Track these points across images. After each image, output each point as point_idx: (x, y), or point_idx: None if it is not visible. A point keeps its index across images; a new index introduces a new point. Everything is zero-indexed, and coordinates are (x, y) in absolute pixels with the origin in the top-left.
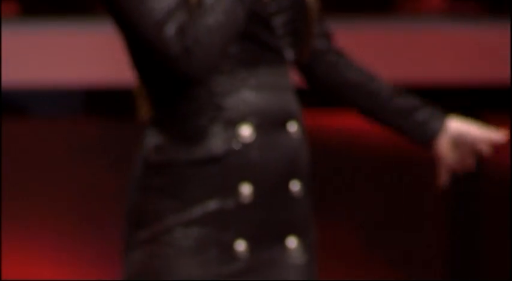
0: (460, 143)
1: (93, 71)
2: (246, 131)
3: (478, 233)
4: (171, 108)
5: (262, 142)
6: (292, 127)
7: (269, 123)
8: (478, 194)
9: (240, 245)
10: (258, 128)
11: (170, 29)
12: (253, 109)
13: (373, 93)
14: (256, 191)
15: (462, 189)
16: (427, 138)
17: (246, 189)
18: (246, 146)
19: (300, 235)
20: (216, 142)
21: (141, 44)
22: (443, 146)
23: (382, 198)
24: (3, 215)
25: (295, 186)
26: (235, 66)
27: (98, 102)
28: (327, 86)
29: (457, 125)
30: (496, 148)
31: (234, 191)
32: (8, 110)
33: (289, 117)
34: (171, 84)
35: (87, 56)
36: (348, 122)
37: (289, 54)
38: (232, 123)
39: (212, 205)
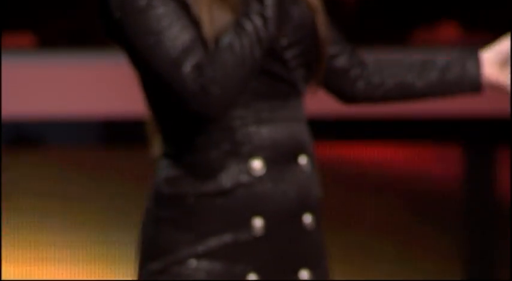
0: (503, 60)
1: (109, 102)
2: (258, 164)
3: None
4: (184, 141)
5: (274, 175)
6: (304, 160)
7: (281, 157)
8: (493, 228)
9: (252, 278)
10: (269, 161)
11: (187, 67)
12: (266, 143)
13: (409, 84)
14: (268, 224)
15: (477, 225)
16: (475, 85)
17: (258, 222)
18: (258, 180)
19: (313, 268)
20: (227, 175)
21: (156, 80)
22: (494, 76)
23: (393, 228)
24: (16, 243)
25: (307, 219)
26: (249, 100)
27: (114, 133)
28: (369, 99)
29: (489, 52)
30: None
31: (246, 224)
32: (25, 140)
33: (300, 150)
34: (184, 119)
35: (103, 87)
36: (361, 153)
37: (302, 86)
38: (245, 157)
39: (225, 238)
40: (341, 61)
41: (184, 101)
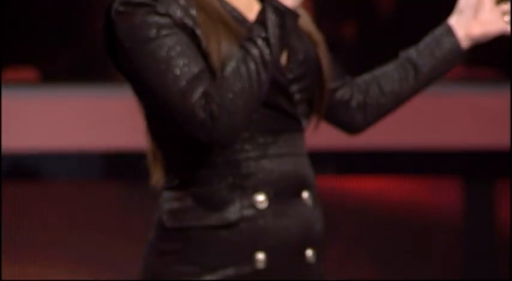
0: (472, 10)
1: (110, 136)
2: (262, 198)
3: None
4: (188, 174)
5: (277, 210)
6: (307, 195)
7: (285, 192)
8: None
9: None
10: (273, 196)
11: (195, 96)
12: (270, 177)
13: (402, 92)
14: (271, 259)
15: (476, 256)
16: (459, 56)
17: (260, 256)
18: (261, 214)
19: None
20: (232, 209)
21: (164, 109)
22: (475, 31)
23: (400, 258)
24: (19, 278)
25: (309, 253)
26: (254, 134)
27: (115, 166)
28: (371, 123)
29: (455, 15)
30: None
31: (249, 259)
32: (27, 173)
33: (304, 185)
34: (189, 151)
35: (105, 120)
36: (362, 185)
37: (304, 121)
38: (249, 191)
39: (228, 271)
40: (341, 94)
41: (193, 129)
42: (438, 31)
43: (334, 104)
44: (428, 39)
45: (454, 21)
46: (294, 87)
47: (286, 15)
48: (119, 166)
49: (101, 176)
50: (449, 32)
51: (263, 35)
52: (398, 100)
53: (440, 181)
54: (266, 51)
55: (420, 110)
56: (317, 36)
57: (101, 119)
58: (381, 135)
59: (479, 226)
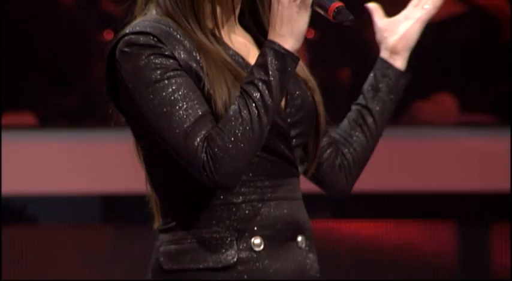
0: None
1: (109, 179)
2: (258, 242)
3: None
4: (185, 216)
5: (273, 253)
6: (302, 239)
7: (280, 235)
8: None
9: None
10: (270, 239)
11: (197, 138)
12: (267, 221)
13: (365, 143)
14: None
15: None
16: (404, 75)
17: None
18: (258, 257)
19: None
20: (228, 252)
21: (163, 152)
22: (396, 47)
23: None
24: None
25: None
26: (251, 177)
27: (114, 209)
28: (352, 182)
29: (382, 40)
30: None
31: None
32: (24, 217)
33: (299, 229)
34: (187, 193)
35: (102, 164)
36: (358, 230)
37: (300, 166)
38: (246, 234)
39: None
40: (328, 154)
41: (195, 171)
42: (374, 68)
43: (321, 163)
44: (368, 79)
45: (382, 53)
46: (294, 132)
47: (286, 58)
48: (116, 209)
49: (99, 220)
50: (382, 63)
51: (264, 78)
52: (370, 149)
53: (436, 225)
54: (267, 94)
55: (416, 155)
56: (312, 82)
57: (98, 162)
58: (377, 179)
59: (474, 268)
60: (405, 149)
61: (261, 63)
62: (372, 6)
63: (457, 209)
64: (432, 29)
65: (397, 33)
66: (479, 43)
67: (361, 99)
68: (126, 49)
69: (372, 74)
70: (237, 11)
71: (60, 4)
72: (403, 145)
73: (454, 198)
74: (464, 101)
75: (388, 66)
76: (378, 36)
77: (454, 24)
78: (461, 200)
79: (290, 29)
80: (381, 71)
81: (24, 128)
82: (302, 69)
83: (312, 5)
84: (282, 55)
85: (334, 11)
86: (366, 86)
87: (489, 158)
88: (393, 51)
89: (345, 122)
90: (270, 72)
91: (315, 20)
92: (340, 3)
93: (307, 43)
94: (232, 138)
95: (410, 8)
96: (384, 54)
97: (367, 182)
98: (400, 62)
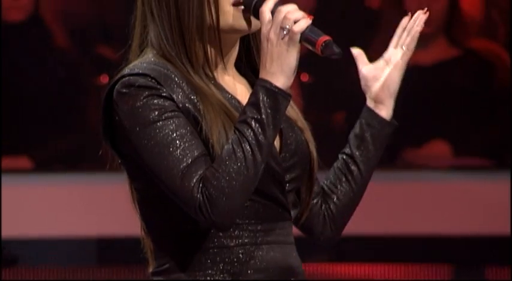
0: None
1: (104, 222)
2: None
3: None
4: (179, 258)
5: None
6: None
7: (273, 279)
8: None
9: None
10: None
11: (193, 179)
12: (260, 265)
13: (350, 193)
14: None
15: None
16: (389, 124)
17: None
18: None
19: None
20: None
21: (159, 193)
22: (378, 95)
23: None
24: None
25: None
26: (245, 221)
27: (109, 251)
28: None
29: (368, 94)
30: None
31: None
32: (22, 260)
33: (292, 273)
34: (181, 235)
35: (98, 208)
36: (354, 273)
37: (292, 211)
38: (239, 278)
39: None
40: (317, 202)
41: (191, 211)
42: (360, 116)
43: (310, 212)
44: (354, 127)
45: (367, 101)
46: (288, 176)
47: (278, 96)
48: (112, 251)
49: (95, 263)
50: (367, 112)
51: (257, 116)
52: (356, 198)
53: (431, 269)
54: (260, 132)
55: (411, 198)
56: (302, 121)
57: (94, 206)
58: (371, 223)
59: None
60: (400, 193)
61: (253, 101)
62: (356, 52)
63: (452, 252)
64: (426, 73)
65: (379, 81)
66: (474, 87)
67: (346, 148)
68: (124, 90)
69: (357, 122)
70: (233, 56)
71: (57, 49)
72: (398, 188)
73: (449, 242)
74: (458, 145)
75: (373, 115)
76: (362, 84)
77: (448, 69)
78: (456, 243)
79: (280, 67)
80: (366, 120)
81: (21, 172)
82: (291, 108)
83: (300, 41)
84: (274, 93)
85: (322, 45)
86: (352, 135)
87: (483, 202)
88: (377, 101)
89: (331, 171)
90: (263, 111)
91: (309, 64)
92: (327, 38)
93: (302, 87)
94: (227, 178)
95: (390, 50)
96: (369, 103)
97: (362, 225)
98: (385, 112)
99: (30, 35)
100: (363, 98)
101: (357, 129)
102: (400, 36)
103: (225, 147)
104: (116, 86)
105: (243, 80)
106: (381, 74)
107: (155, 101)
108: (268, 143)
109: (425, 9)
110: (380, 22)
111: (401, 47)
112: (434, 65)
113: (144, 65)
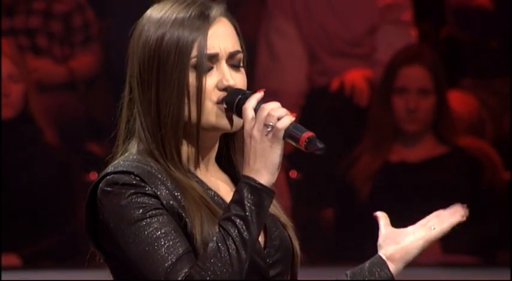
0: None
1: None
2: None
3: None
4: None
5: None
6: None
7: None
8: None
9: None
10: None
11: (178, 277)
12: None
13: None
14: None
15: None
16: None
17: None
18: None
19: None
20: None
21: None
22: (394, 256)
23: None
24: None
25: None
26: None
27: None
28: None
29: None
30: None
31: None
32: None
33: None
34: None
35: None
36: None
37: None
38: None
39: None
40: None
41: None
42: (370, 261)
43: None
44: (360, 266)
45: (380, 250)
46: (273, 272)
47: (262, 193)
48: None
49: None
50: (378, 261)
51: (241, 213)
52: None
53: None
54: (245, 229)
55: None
56: (285, 219)
57: None
58: None
59: None
60: None
61: (237, 199)
62: (380, 214)
63: None
64: (414, 170)
65: (399, 244)
66: (462, 184)
67: (343, 277)
68: (108, 188)
69: (365, 265)
70: (214, 152)
71: (46, 146)
72: None
73: None
74: (446, 242)
75: (382, 267)
76: (380, 240)
77: (436, 165)
78: None
79: (264, 163)
80: (372, 269)
81: (8, 269)
82: (273, 205)
83: (284, 138)
84: (258, 190)
85: (305, 141)
86: (355, 270)
87: None
88: (389, 259)
89: None
90: (247, 208)
91: (298, 161)
92: (311, 134)
93: (290, 183)
94: (212, 276)
95: (418, 225)
96: (381, 254)
97: None
98: (392, 269)
99: (20, 132)
100: (352, 196)
101: (361, 269)
102: (431, 220)
103: (210, 244)
104: (100, 184)
105: (224, 176)
106: (402, 239)
107: (139, 199)
108: (252, 240)
109: (466, 205)
110: (368, 120)
111: (430, 228)
112: (424, 162)
113: (127, 163)
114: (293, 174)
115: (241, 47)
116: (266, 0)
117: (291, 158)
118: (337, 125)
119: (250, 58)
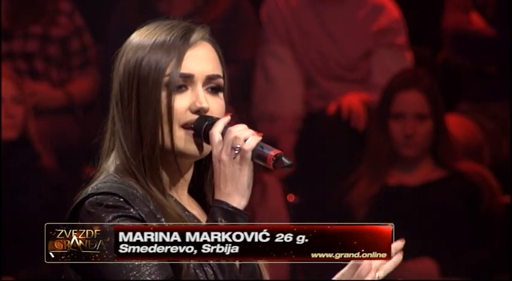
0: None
1: None
2: None
3: None
4: None
5: None
6: None
7: None
8: None
9: None
10: None
11: None
12: None
13: None
14: None
15: None
16: None
17: None
18: None
19: None
20: None
21: None
22: None
23: None
24: None
25: None
26: None
27: None
28: None
29: None
30: None
31: None
32: None
33: None
34: None
35: None
36: None
37: None
38: None
39: None
40: None
41: None
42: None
43: None
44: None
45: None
46: None
47: (235, 216)
48: None
49: None
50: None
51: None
52: None
53: None
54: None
55: None
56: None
57: None
58: None
59: None
60: None
61: (211, 223)
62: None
63: None
64: (412, 194)
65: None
66: (459, 208)
67: None
68: (91, 210)
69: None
70: (189, 179)
71: (45, 170)
72: None
73: None
74: (444, 265)
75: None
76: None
77: (434, 189)
78: None
79: (235, 186)
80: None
81: None
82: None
83: (252, 158)
84: (231, 213)
85: (272, 159)
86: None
87: None
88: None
89: None
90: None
91: (295, 185)
92: (278, 151)
93: (288, 207)
94: None
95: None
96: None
97: None
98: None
99: (19, 155)
100: (349, 217)
101: None
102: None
103: (188, 272)
104: (84, 205)
105: (195, 203)
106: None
107: (123, 222)
108: (229, 264)
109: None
110: (366, 143)
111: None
112: (421, 186)
113: (109, 184)
114: (291, 198)
115: (223, 74)
116: (262, 25)
117: (289, 182)
118: (335, 149)
119: (246, 82)
